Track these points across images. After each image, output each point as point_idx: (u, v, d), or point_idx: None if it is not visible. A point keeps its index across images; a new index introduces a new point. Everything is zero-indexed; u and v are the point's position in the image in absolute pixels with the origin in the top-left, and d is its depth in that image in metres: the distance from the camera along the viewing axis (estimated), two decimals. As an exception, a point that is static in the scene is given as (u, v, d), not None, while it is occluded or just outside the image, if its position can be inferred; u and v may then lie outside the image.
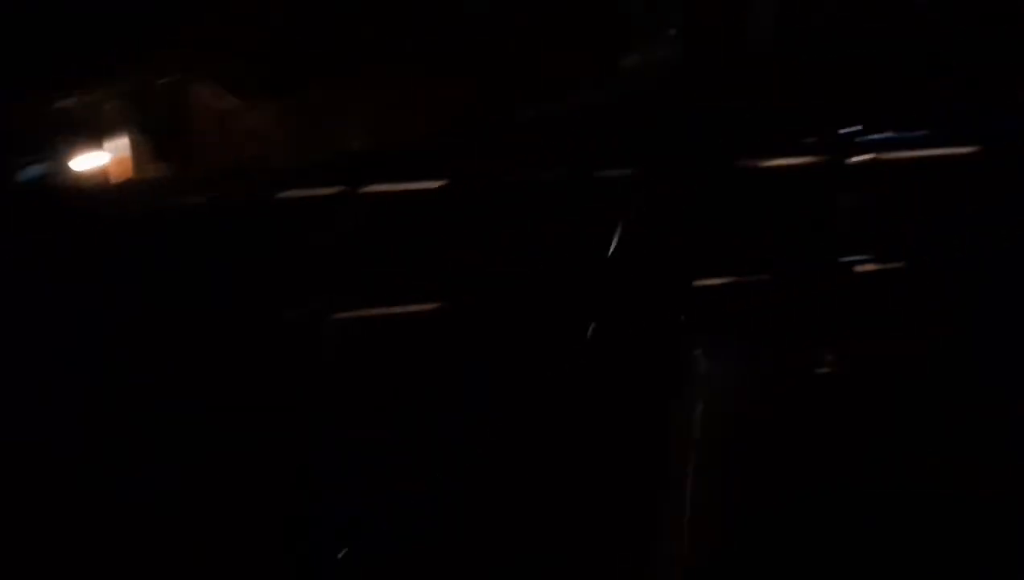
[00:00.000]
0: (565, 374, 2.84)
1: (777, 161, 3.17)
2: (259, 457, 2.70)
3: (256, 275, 2.93)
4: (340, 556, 2.61)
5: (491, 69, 3.20)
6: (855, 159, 3.20)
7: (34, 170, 2.93)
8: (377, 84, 3.10)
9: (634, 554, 2.65)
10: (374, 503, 2.68)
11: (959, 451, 2.74)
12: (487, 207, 3.02)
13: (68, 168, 2.96)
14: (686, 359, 2.87)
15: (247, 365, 2.81)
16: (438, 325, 2.94)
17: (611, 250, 2.98)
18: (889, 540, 2.63)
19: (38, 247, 2.81)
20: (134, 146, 3.00)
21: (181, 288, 2.86)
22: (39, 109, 2.90)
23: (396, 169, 3.01)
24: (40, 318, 2.77)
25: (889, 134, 3.23)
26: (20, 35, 2.87)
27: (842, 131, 3.23)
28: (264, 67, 3.04)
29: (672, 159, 3.11)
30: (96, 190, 3.01)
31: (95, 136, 2.96)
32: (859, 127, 3.22)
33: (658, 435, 2.78)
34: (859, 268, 3.07)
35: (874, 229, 3.14)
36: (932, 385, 2.85)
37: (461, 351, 2.92)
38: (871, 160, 3.19)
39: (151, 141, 3.02)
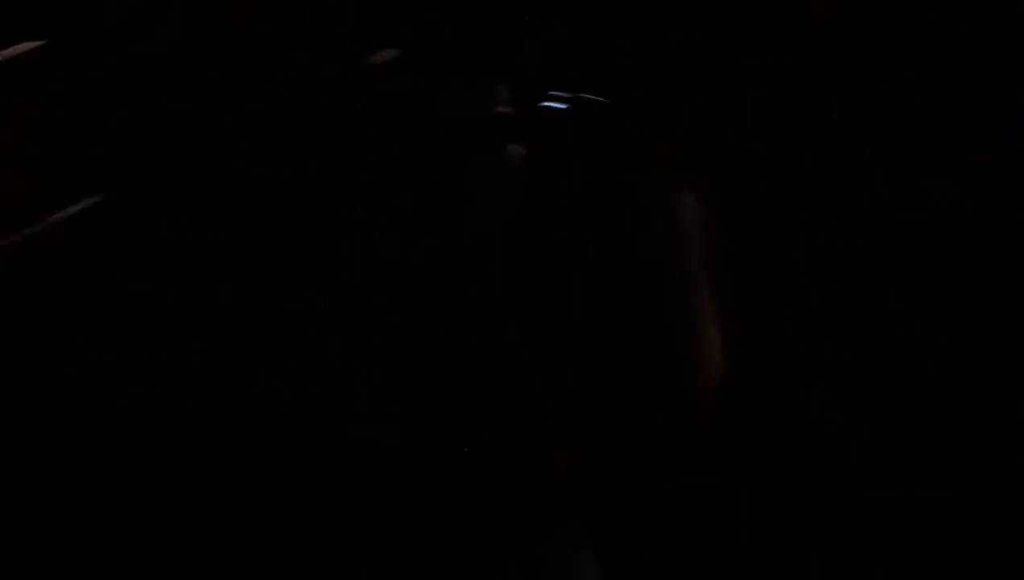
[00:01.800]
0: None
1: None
2: (259, 457, 2.70)
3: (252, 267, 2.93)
4: (342, 553, 2.62)
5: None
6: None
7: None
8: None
9: (630, 556, 2.65)
10: (374, 503, 2.68)
11: (959, 451, 2.74)
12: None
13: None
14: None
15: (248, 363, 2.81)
16: (438, 325, 2.95)
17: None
18: (888, 540, 2.63)
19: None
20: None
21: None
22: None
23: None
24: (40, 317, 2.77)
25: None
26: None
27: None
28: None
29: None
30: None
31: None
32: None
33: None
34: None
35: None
36: (932, 385, 2.86)
37: (461, 351, 2.92)
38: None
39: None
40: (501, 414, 2.83)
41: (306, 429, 2.76)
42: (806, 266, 3.09)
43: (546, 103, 2.90)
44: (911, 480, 2.70)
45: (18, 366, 2.69)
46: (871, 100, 3.31)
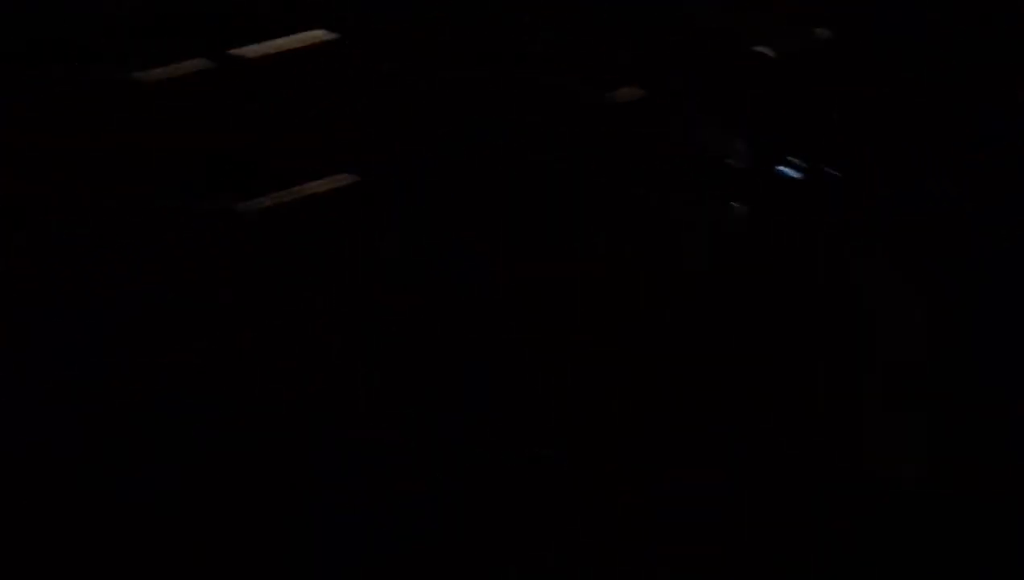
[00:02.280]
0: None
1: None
2: (259, 457, 2.70)
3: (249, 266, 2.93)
4: (342, 553, 2.62)
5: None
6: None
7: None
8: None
9: (630, 557, 2.66)
10: (374, 503, 2.68)
11: (959, 451, 2.74)
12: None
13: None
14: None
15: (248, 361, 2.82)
16: (437, 319, 2.95)
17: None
18: (888, 540, 2.63)
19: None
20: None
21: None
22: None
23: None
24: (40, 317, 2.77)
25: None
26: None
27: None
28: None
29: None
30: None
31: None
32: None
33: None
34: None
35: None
36: (932, 385, 2.86)
37: (461, 351, 2.92)
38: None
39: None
40: (501, 414, 2.83)
41: (306, 429, 2.76)
42: (806, 266, 3.09)
43: (781, 167, 2.94)
44: (911, 480, 2.70)
45: (18, 366, 2.69)
46: (871, 100, 3.31)
